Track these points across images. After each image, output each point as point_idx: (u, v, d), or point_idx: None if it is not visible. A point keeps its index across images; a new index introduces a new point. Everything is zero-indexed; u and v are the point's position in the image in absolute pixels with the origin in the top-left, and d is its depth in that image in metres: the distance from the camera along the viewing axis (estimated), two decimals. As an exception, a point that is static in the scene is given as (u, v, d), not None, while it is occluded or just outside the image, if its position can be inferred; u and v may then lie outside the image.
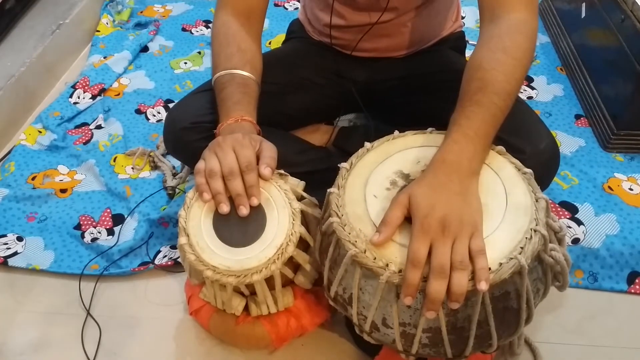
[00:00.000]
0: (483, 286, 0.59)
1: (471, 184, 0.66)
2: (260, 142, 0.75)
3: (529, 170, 0.71)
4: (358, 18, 0.97)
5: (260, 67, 0.87)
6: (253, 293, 0.76)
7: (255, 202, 0.71)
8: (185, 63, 1.54)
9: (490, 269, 0.61)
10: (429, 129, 0.79)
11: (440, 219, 0.61)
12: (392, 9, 0.95)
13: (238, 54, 0.84)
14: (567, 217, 1.06)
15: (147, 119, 1.36)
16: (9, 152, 1.28)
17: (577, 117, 1.31)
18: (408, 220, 0.64)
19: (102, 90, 1.43)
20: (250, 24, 0.88)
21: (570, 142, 1.24)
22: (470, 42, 1.43)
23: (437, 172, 0.66)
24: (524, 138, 0.81)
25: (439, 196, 0.63)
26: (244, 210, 0.71)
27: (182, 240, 0.72)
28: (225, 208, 0.71)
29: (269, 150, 0.74)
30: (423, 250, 0.60)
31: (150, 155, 1.22)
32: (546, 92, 1.39)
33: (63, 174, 1.22)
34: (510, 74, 0.71)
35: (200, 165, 0.72)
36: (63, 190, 1.17)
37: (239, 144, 0.72)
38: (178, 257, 1.01)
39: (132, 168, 1.21)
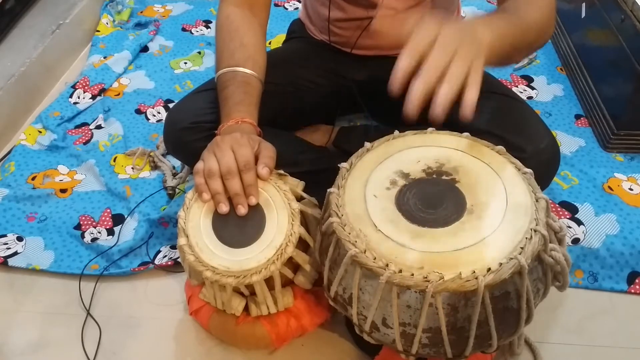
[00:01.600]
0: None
1: (476, 28, 0.66)
2: (259, 142, 0.75)
3: (529, 170, 0.71)
4: (358, 11, 0.97)
5: (264, 61, 0.86)
6: (253, 293, 0.76)
7: (253, 201, 0.71)
8: (185, 63, 1.54)
9: (490, 269, 0.61)
10: (429, 129, 0.78)
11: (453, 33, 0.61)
12: (390, 8, 0.94)
13: (240, 50, 0.83)
14: (567, 217, 1.06)
15: (147, 119, 1.36)
16: (9, 152, 1.28)
17: (577, 117, 1.31)
18: (408, 219, 0.65)
19: (102, 90, 1.43)
20: (254, 15, 0.88)
21: (570, 142, 1.24)
22: (470, 42, 1.43)
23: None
24: (524, 137, 0.81)
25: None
26: (242, 210, 0.71)
27: (181, 241, 0.72)
28: (224, 208, 0.71)
29: (268, 150, 0.74)
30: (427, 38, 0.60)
31: (150, 155, 1.22)
32: (546, 92, 1.39)
33: (63, 174, 1.22)
34: (523, 21, 0.74)
35: (199, 165, 0.72)
36: (63, 190, 1.17)
37: (237, 143, 0.72)
38: (178, 257, 1.01)
39: (132, 168, 1.21)
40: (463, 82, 0.59)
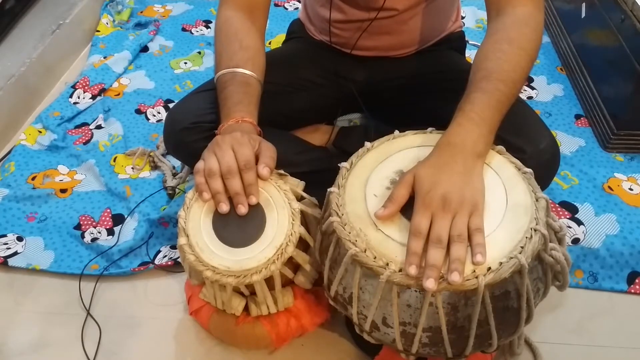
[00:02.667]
0: (479, 258, 0.60)
1: (475, 165, 0.67)
2: (260, 142, 0.75)
3: (529, 170, 0.71)
4: (358, 13, 0.97)
5: (263, 63, 0.87)
6: (253, 293, 0.76)
7: (253, 200, 0.71)
8: (185, 63, 1.54)
9: (490, 268, 0.61)
10: (429, 129, 0.79)
11: (441, 196, 0.63)
12: (391, 9, 0.95)
13: (240, 52, 0.84)
14: (567, 217, 1.06)
15: (147, 119, 1.36)
16: (9, 152, 1.27)
17: (577, 117, 1.31)
18: (408, 218, 0.64)
19: (102, 90, 1.43)
20: (253, 19, 0.88)
21: (570, 142, 1.24)
22: (470, 42, 1.43)
23: (441, 153, 0.68)
24: (524, 137, 0.81)
25: (442, 175, 0.65)
26: (242, 209, 0.71)
27: (181, 240, 0.72)
28: (224, 207, 0.71)
29: (268, 150, 0.74)
30: (424, 223, 0.62)
31: (150, 155, 1.22)
32: (546, 92, 1.39)
33: (63, 174, 1.22)
34: (515, 63, 0.73)
35: (200, 165, 0.72)
36: (63, 190, 1.17)
37: (237, 142, 0.72)
38: (178, 257, 1.01)
39: (132, 168, 1.21)
40: (466, 251, 0.62)
